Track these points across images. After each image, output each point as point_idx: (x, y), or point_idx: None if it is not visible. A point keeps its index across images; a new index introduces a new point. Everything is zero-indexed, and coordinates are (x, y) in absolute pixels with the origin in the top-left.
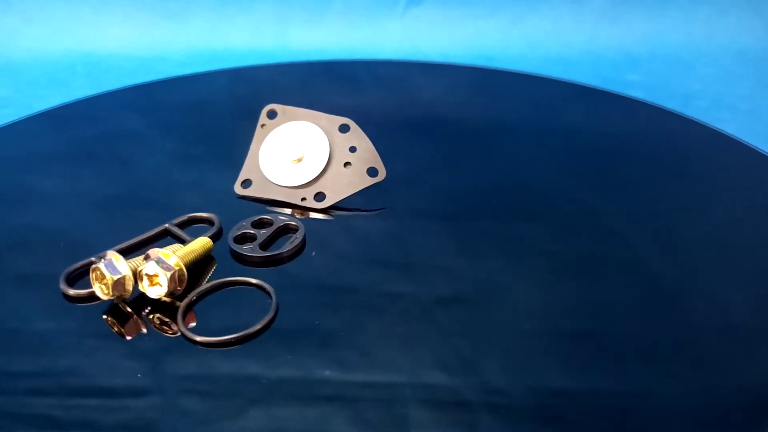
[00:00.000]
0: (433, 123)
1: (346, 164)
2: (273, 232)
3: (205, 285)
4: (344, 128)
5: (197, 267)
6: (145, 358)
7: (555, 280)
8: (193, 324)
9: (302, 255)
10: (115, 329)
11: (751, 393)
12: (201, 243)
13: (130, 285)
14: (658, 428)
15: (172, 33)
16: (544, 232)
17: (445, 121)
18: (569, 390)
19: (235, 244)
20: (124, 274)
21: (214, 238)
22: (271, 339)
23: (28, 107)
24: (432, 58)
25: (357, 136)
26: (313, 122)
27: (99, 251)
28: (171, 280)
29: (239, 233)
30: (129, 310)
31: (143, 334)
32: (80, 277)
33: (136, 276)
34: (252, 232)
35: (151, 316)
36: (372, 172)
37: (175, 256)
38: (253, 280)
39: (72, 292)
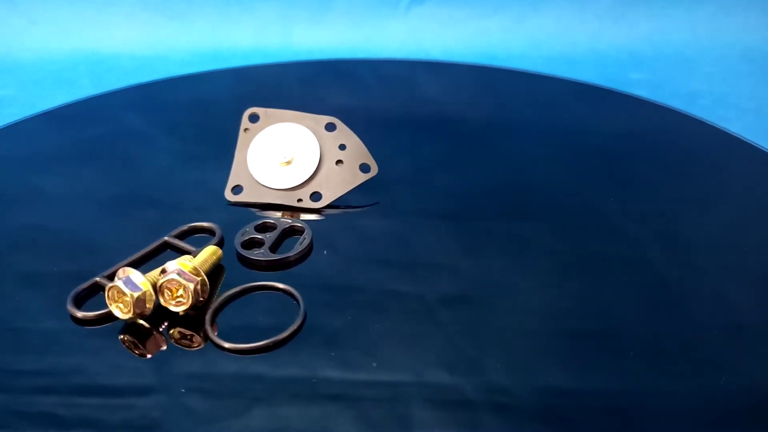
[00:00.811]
0: (436, 122)
1: (338, 162)
2: (279, 235)
3: (231, 291)
4: (330, 127)
5: (209, 277)
6: (177, 367)
7: (559, 279)
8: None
9: (311, 256)
10: (138, 350)
11: (756, 393)
12: (211, 252)
13: (151, 301)
14: (662, 428)
15: (175, 32)
16: (548, 231)
17: (448, 120)
18: (573, 389)
19: (244, 250)
20: (144, 289)
21: (217, 246)
22: (301, 343)
23: (32, 106)
24: (435, 57)
25: (344, 133)
26: (298, 123)
27: (100, 251)
28: (195, 291)
29: (246, 239)
30: (148, 325)
31: (172, 349)
32: (87, 297)
33: (156, 290)
34: (259, 236)
35: (172, 331)
36: (364, 168)
37: (196, 266)
38: (280, 285)
39: (80, 314)
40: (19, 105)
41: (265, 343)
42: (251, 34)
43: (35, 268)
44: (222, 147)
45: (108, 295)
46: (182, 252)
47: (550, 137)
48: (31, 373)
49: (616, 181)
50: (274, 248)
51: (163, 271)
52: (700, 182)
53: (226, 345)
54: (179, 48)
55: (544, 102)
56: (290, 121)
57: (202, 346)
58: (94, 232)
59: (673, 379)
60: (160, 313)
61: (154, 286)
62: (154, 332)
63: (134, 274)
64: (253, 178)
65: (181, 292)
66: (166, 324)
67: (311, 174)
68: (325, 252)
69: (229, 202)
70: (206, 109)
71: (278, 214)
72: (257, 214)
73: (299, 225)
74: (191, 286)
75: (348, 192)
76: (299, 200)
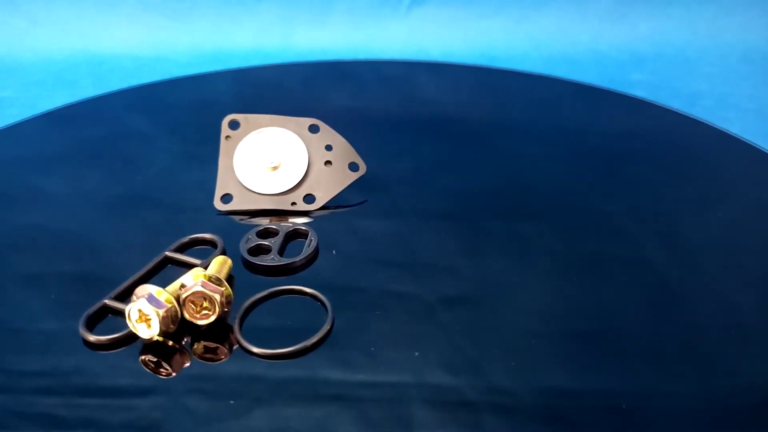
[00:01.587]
0: (437, 122)
1: (327, 163)
2: (284, 239)
3: (257, 295)
4: (314, 128)
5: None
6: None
7: (559, 279)
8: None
9: (318, 258)
10: (164, 369)
11: (757, 393)
12: (221, 261)
13: (177, 316)
14: (662, 428)
15: (176, 33)
16: (548, 231)
17: (449, 120)
18: (573, 390)
19: (252, 257)
20: (169, 305)
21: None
22: (330, 346)
23: (33, 107)
24: (436, 58)
25: (329, 134)
26: (280, 127)
27: (101, 252)
28: (221, 302)
29: (253, 245)
30: (171, 343)
31: (195, 362)
32: (99, 320)
33: (180, 304)
34: (265, 243)
35: (197, 346)
36: (353, 167)
37: (218, 276)
38: (307, 290)
39: (93, 338)
40: (20, 106)
41: (297, 348)
42: (252, 35)
43: (36, 268)
44: None
45: (129, 316)
46: (185, 266)
47: (551, 138)
48: (32, 373)
49: (616, 182)
50: (281, 253)
51: (182, 286)
52: (700, 183)
53: (256, 350)
54: (180, 49)
55: (544, 103)
56: (272, 126)
57: (228, 357)
58: (95, 232)
59: (674, 379)
60: (181, 328)
61: (177, 300)
62: (178, 347)
63: (155, 291)
64: (243, 186)
65: (206, 304)
66: (188, 338)
67: (302, 177)
68: (333, 252)
69: (220, 211)
70: (207, 110)
71: (266, 220)
72: (242, 222)
73: (303, 228)
74: (217, 297)
75: (341, 192)
76: (293, 204)
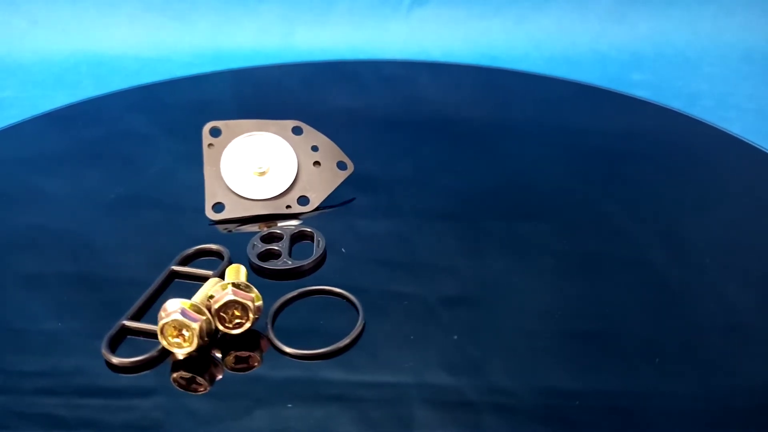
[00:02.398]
0: (437, 122)
1: (315, 164)
2: (290, 241)
3: (287, 296)
4: (297, 130)
5: None
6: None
7: (559, 279)
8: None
9: (327, 259)
10: (202, 386)
11: (757, 393)
12: (236, 269)
13: (212, 328)
14: (662, 428)
15: (177, 34)
16: (548, 231)
17: (450, 120)
18: (574, 390)
19: (263, 261)
20: (204, 317)
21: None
22: (361, 348)
23: (34, 108)
24: (436, 58)
25: (313, 135)
26: (262, 131)
27: (102, 252)
28: (254, 310)
29: (262, 250)
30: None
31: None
32: (121, 340)
33: (213, 315)
34: (274, 247)
35: (228, 358)
36: (341, 165)
37: (247, 283)
38: (337, 290)
39: (116, 360)
40: (21, 106)
41: (330, 349)
42: (253, 36)
43: (37, 268)
44: None
45: (162, 333)
46: (195, 279)
47: (551, 138)
48: (33, 374)
49: (616, 182)
50: (290, 256)
51: (211, 297)
52: (700, 183)
53: (288, 350)
54: (181, 49)
55: (545, 103)
56: (254, 131)
57: (260, 365)
58: (95, 232)
59: (674, 380)
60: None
61: (209, 311)
62: (211, 360)
63: (186, 304)
64: (233, 193)
65: (237, 312)
66: (220, 353)
67: (293, 179)
68: (343, 250)
69: (212, 221)
70: (207, 110)
71: (256, 226)
72: (230, 231)
73: (308, 230)
74: (250, 304)
75: (333, 191)
76: (288, 207)
